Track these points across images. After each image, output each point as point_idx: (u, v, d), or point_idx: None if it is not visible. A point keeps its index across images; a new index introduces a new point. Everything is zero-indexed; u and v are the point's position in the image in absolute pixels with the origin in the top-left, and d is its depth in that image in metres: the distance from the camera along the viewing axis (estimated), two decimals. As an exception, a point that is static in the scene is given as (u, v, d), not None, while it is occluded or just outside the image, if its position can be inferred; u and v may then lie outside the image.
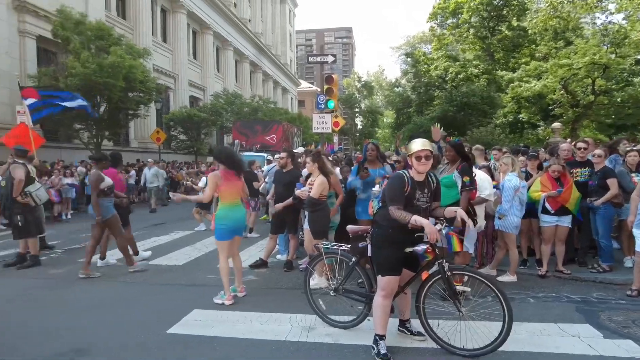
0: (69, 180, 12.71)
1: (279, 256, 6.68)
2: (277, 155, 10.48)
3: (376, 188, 3.65)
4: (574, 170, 5.91)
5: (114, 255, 6.74)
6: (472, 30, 33.16)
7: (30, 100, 8.89)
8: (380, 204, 3.34)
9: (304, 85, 66.44)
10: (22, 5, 16.32)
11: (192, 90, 29.72)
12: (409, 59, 38.54)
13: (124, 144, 22.49)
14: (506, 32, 31.16)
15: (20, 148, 6.98)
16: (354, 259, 3.61)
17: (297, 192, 5.57)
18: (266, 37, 45.73)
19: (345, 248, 3.73)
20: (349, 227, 3.61)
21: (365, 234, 3.44)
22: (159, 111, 24.81)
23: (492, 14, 31.71)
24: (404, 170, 3.29)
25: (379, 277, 3.23)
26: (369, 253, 3.33)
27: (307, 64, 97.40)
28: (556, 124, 14.83)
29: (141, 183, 15.23)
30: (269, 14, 47.46)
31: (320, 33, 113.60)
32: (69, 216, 12.50)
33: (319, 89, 67.59)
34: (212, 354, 3.40)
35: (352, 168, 6.19)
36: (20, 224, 6.23)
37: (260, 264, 6.21)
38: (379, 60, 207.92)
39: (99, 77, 14.35)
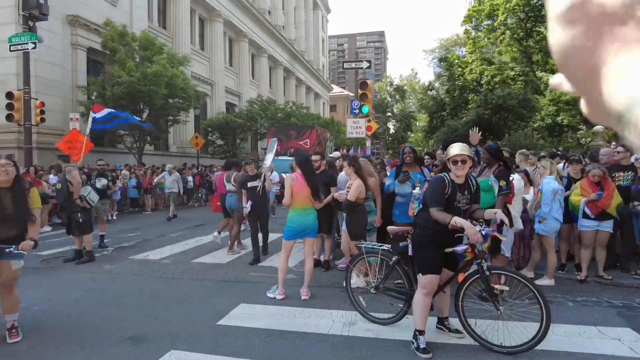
0: (131, 182, 13.45)
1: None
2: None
3: (417, 190, 3.81)
4: (617, 175, 5.84)
5: (158, 253, 7.15)
6: (508, 33, 32.49)
7: (99, 114, 9.73)
8: (421, 206, 3.50)
9: (336, 90, 66.83)
10: (75, 20, 17.41)
11: (228, 96, 30.59)
12: (442, 63, 38.13)
13: (164, 148, 23.43)
14: (545, 32, 30.32)
15: (62, 154, 7.66)
16: (394, 258, 3.79)
17: (335, 194, 5.79)
18: (299, 43, 46.42)
19: (386, 248, 3.91)
20: (390, 228, 3.79)
21: (406, 234, 3.61)
22: (197, 117, 25.73)
23: (529, 15, 30.99)
24: (445, 173, 3.45)
25: (420, 276, 3.39)
26: (410, 252, 3.50)
27: (339, 69, 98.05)
28: (598, 127, 14.35)
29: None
30: (302, 21, 48.15)
31: (352, 38, 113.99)
32: (114, 217, 13.21)
33: (351, 94, 67.71)
34: (262, 344, 3.66)
35: (389, 172, 6.35)
36: (80, 221, 6.76)
37: (314, 263, 6.38)
38: (411, 64, 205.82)
39: (142, 85, 15.15)
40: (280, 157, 15.95)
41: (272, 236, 7.78)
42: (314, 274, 5.54)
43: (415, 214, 3.58)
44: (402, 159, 5.68)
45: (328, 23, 61.79)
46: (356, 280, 4.73)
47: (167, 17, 25.04)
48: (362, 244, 4.16)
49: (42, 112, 12.98)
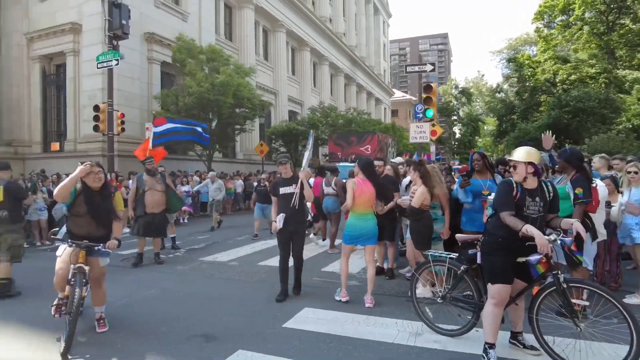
0: (185, 188, 14.24)
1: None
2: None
3: (491, 197, 3.64)
4: None
5: (226, 255, 7.43)
6: (586, 28, 30.20)
7: (159, 128, 10.46)
8: (492, 211, 3.34)
9: (398, 94, 65.97)
10: (151, 37, 18.81)
11: (290, 105, 31.35)
12: (510, 63, 36.27)
13: (232, 156, 24.47)
14: (630, 25, 27.83)
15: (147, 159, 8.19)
16: (462, 267, 3.64)
17: (398, 200, 5.70)
18: (360, 49, 46.49)
19: (454, 256, 3.77)
20: (459, 236, 3.65)
21: (475, 242, 3.46)
22: (262, 125, 26.62)
23: (611, 6, 28.58)
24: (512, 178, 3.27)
25: (489, 285, 3.22)
26: (479, 260, 3.34)
27: (400, 74, 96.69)
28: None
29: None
30: (363, 27, 48.22)
31: (414, 41, 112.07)
32: (186, 220, 13.98)
33: (413, 98, 66.43)
34: (327, 349, 3.67)
35: (456, 178, 6.13)
36: (159, 224, 7.29)
37: (378, 270, 6.30)
38: (477, 66, 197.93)
39: (211, 95, 15.97)
40: (341, 164, 16.01)
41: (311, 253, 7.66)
42: (377, 281, 5.48)
43: (487, 220, 3.42)
44: (472, 165, 5.45)
45: (389, 28, 61.31)
46: (422, 290, 4.60)
47: (232, 30, 26.24)
48: (429, 252, 4.04)
49: (123, 122, 14.11)
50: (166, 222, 7.71)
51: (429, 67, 12.54)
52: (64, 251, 3.87)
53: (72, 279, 3.74)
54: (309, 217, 10.32)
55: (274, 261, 7.31)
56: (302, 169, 5.18)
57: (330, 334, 3.97)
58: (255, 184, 13.55)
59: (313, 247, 8.59)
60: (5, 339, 3.97)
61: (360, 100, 45.63)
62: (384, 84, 55.72)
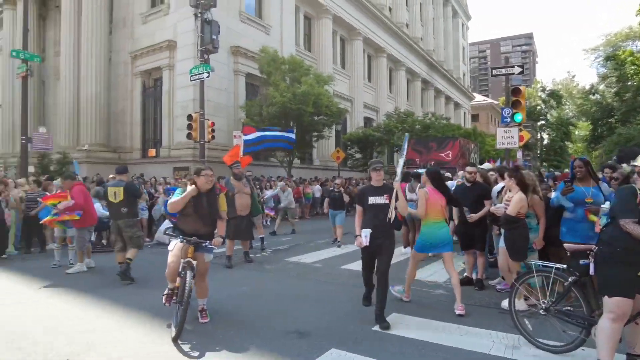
0: (269, 192, 14.86)
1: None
2: (460, 172, 10.34)
3: (606, 205, 3.38)
4: None
5: (309, 257, 7.63)
6: None
7: (249, 137, 11.07)
8: (609, 220, 3.10)
9: (478, 98, 63.09)
10: (237, 50, 20.00)
11: (366, 111, 31.42)
12: (609, 62, 32.99)
13: (309, 162, 25.09)
14: None
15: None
16: (570, 279, 3.41)
17: (492, 208, 5.47)
18: (438, 53, 45.29)
19: (560, 267, 3.55)
20: (569, 246, 3.44)
21: (588, 252, 3.23)
22: (338, 132, 26.98)
23: None
24: (632, 184, 3.02)
25: (606, 299, 2.99)
26: (592, 271, 3.12)
27: (480, 77, 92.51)
28: None
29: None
30: (441, 31, 46.95)
31: (495, 43, 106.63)
32: (269, 222, 14.55)
33: (495, 102, 63.12)
34: (419, 355, 3.65)
35: (554, 186, 5.75)
36: (246, 227, 7.72)
37: (466, 281, 6.12)
38: (565, 66, 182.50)
39: (293, 105, 16.57)
40: (419, 170, 15.67)
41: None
42: (466, 292, 5.33)
43: (601, 229, 3.18)
44: (572, 172, 5.08)
45: (468, 30, 59.00)
46: (520, 302, 4.38)
47: (311, 41, 26.99)
48: (533, 262, 3.84)
49: (213, 130, 15.12)
50: (252, 225, 8.15)
51: (516, 70, 11.88)
52: (175, 246, 4.28)
53: (182, 272, 4.12)
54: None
55: (356, 265, 7.37)
56: (396, 178, 4.65)
57: (421, 340, 3.93)
58: (331, 189, 13.73)
59: (398, 254, 8.51)
60: (131, 322, 4.47)
61: (438, 105, 44.36)
62: (463, 87, 53.65)
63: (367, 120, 31.79)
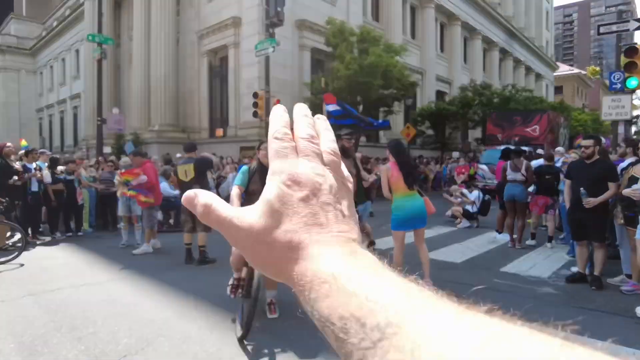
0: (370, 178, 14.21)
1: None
2: (559, 149, 8.93)
3: None
4: None
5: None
6: None
7: (332, 107, 10.25)
8: None
9: (562, 68, 57.24)
10: (302, 23, 19.27)
11: (438, 84, 29.44)
12: None
13: (374, 140, 24.02)
14: None
15: None
16: None
17: (626, 191, 4.31)
18: (518, 19, 41.22)
19: None
20: None
21: None
22: (407, 107, 25.50)
23: None
24: None
25: None
26: None
27: (564, 44, 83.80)
28: None
29: None
30: (522, -6, 42.65)
31: (584, 5, 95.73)
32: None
33: (582, 71, 56.92)
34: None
35: None
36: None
37: (578, 277, 5.08)
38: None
39: (359, 77, 15.58)
40: (502, 147, 14.13)
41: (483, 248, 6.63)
42: (580, 291, 4.38)
43: None
44: None
45: (553, -8, 53.24)
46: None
47: (379, 10, 25.48)
48: None
49: (279, 108, 14.69)
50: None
51: (632, 25, 9.91)
52: None
53: (249, 261, 3.56)
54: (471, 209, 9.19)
55: (440, 254, 6.48)
56: None
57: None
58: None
59: (487, 241, 7.52)
60: (193, 314, 4.03)
61: (517, 76, 40.64)
62: (546, 56, 48.69)
63: (439, 94, 29.82)
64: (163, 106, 21.37)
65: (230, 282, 3.94)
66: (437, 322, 0.23)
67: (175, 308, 4.15)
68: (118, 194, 6.96)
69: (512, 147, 7.95)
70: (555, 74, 53.08)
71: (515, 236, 7.01)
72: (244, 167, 4.13)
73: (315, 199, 0.33)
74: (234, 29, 19.41)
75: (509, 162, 6.99)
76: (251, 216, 0.34)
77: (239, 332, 3.37)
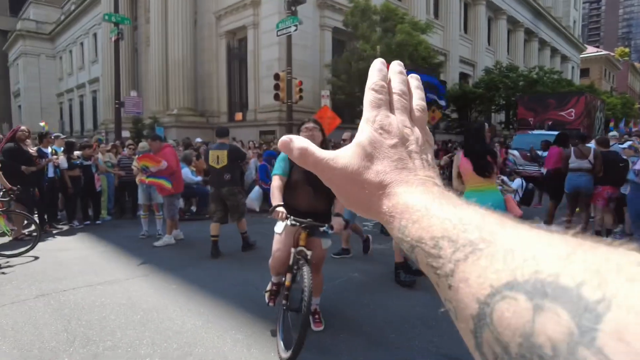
0: None
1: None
2: (614, 133, 8.14)
3: None
4: None
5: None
6: None
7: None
8: None
9: (589, 50, 54.92)
10: (323, 2, 18.41)
11: (462, 66, 28.29)
12: None
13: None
14: None
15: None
16: None
17: None
18: (545, -3, 39.42)
19: None
20: None
21: None
22: (431, 90, 24.55)
23: None
24: None
25: None
26: None
27: (590, 25, 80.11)
28: None
29: None
30: (550, -30, 40.66)
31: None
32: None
33: (611, 53, 54.53)
34: None
35: None
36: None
37: None
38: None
39: (387, 58, 14.75)
40: (534, 132, 13.28)
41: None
42: None
43: None
44: None
45: (582, -31, 50.73)
46: None
47: (402, -12, 24.38)
48: None
49: (301, 90, 13.99)
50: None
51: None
52: (284, 229, 3.13)
53: (296, 266, 2.98)
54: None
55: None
56: None
57: None
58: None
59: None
60: (224, 323, 3.50)
61: (542, 58, 39.00)
62: (573, 37, 46.62)
63: (463, 76, 28.68)
64: (181, 89, 20.86)
65: (269, 287, 3.40)
66: (527, 237, 0.24)
67: (203, 315, 3.62)
68: (137, 180, 6.46)
69: (550, 132, 7.23)
70: (581, 55, 50.99)
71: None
72: (283, 154, 3.51)
73: (404, 147, 0.36)
74: (253, 8, 18.67)
75: (572, 149, 6.26)
76: (345, 158, 0.37)
77: (284, 354, 2.82)
